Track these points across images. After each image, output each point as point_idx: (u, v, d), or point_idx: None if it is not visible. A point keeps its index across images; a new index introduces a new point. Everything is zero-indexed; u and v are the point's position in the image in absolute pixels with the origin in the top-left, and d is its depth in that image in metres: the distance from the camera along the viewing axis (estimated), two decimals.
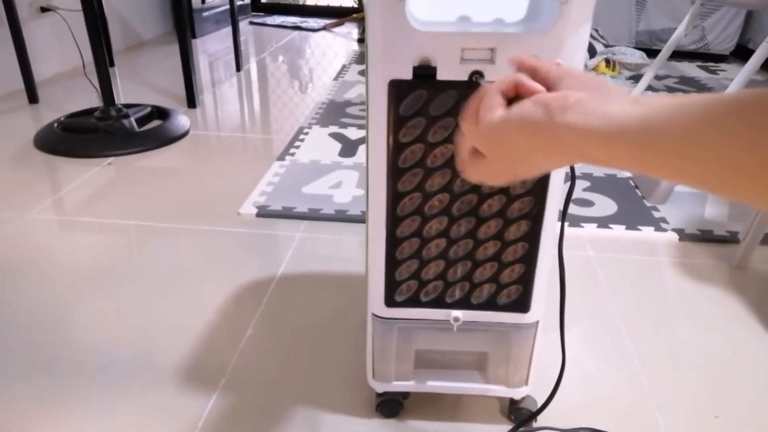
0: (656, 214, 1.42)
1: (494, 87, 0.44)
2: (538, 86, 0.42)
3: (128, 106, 1.93)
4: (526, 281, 0.72)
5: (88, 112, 1.93)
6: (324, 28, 3.71)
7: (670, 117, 0.31)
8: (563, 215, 0.65)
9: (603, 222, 1.38)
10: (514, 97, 0.43)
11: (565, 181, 0.67)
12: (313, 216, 1.38)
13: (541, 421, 0.83)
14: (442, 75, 0.60)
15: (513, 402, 0.83)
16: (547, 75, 0.44)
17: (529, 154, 0.41)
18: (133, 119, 1.85)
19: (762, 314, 1.08)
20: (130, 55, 2.92)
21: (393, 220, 0.68)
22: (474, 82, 0.60)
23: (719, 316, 1.08)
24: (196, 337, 0.99)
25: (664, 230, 1.35)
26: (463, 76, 0.60)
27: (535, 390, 0.83)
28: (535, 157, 0.41)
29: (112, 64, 2.67)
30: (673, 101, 0.32)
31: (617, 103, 0.36)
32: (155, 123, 1.94)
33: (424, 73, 0.60)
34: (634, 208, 1.44)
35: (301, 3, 4.25)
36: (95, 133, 1.80)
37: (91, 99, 2.20)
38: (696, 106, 0.30)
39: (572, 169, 0.63)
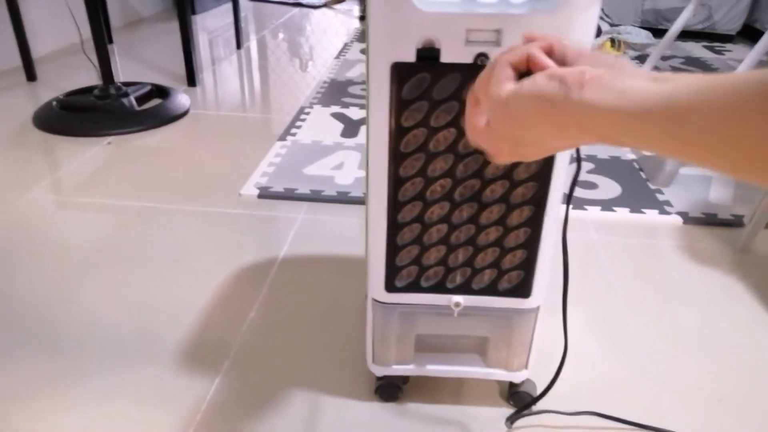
0: (660, 197, 1.41)
1: (504, 58, 0.42)
2: (551, 62, 0.41)
3: (127, 84, 1.91)
4: (527, 267, 0.71)
5: (86, 90, 1.91)
6: (325, 5, 3.66)
7: (697, 96, 0.30)
8: (568, 201, 0.64)
9: (607, 205, 1.37)
10: (525, 72, 0.42)
11: (570, 164, 0.66)
12: (315, 197, 1.37)
13: (543, 404, 0.83)
14: (446, 57, 0.59)
15: (512, 385, 0.83)
16: (562, 53, 0.42)
17: (538, 132, 0.39)
18: (132, 98, 1.83)
19: (766, 298, 1.08)
20: (128, 32, 2.89)
21: (394, 206, 0.68)
22: (479, 64, 0.58)
23: (723, 300, 1.07)
24: (198, 320, 0.99)
25: (668, 213, 1.34)
26: (468, 59, 0.59)
27: (535, 373, 0.83)
28: (544, 135, 0.39)
29: (110, 41, 2.64)
30: (699, 80, 0.30)
31: (636, 80, 0.34)
32: (155, 102, 1.93)
33: (428, 55, 0.58)
34: (638, 191, 1.43)
35: None
36: (94, 112, 1.78)
37: (90, 77, 2.17)
38: (725, 86, 0.29)
39: (578, 152, 0.62)
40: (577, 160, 0.61)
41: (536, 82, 0.38)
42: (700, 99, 0.30)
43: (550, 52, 0.42)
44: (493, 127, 0.43)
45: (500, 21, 0.57)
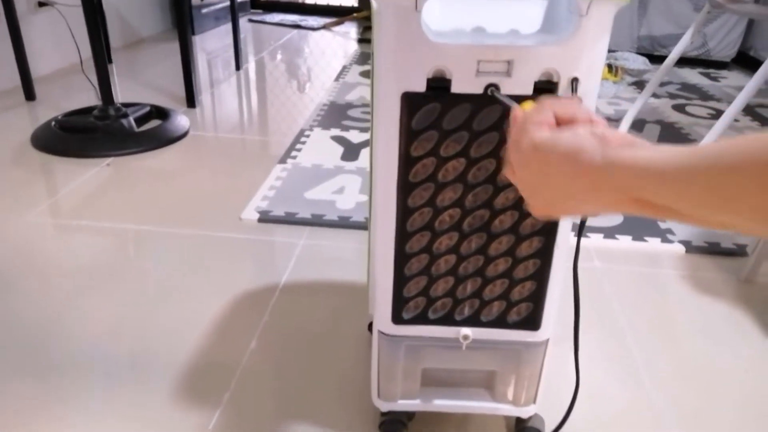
0: (662, 225, 1.40)
1: (549, 104, 0.42)
2: (599, 120, 0.41)
3: (127, 105, 1.90)
4: (537, 299, 0.70)
5: (86, 111, 1.90)
6: (324, 27, 3.68)
7: (746, 150, 0.30)
8: (579, 232, 0.63)
9: (609, 232, 1.36)
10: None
11: None
12: (317, 222, 1.36)
13: None
14: (456, 88, 0.58)
15: (520, 421, 0.81)
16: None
17: (566, 189, 0.39)
18: (132, 119, 1.83)
19: None
20: (128, 52, 2.89)
21: (402, 236, 0.66)
22: (489, 95, 0.58)
23: (728, 331, 1.06)
24: (198, 348, 0.97)
25: (671, 242, 1.33)
26: (479, 89, 0.58)
27: (542, 408, 0.81)
28: (573, 194, 0.39)
29: (110, 62, 2.64)
30: (745, 139, 0.31)
31: (635, 148, 0.35)
32: (154, 123, 1.92)
33: (438, 85, 0.58)
34: (640, 219, 1.43)
35: (300, 1, 4.23)
36: (93, 133, 1.77)
37: (89, 97, 2.17)
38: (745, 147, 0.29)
39: None
40: None
41: (577, 134, 0.38)
42: (747, 153, 0.29)
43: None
44: (518, 169, 0.42)
45: (511, 52, 0.56)
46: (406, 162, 0.62)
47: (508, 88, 0.58)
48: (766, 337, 1.05)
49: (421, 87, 0.58)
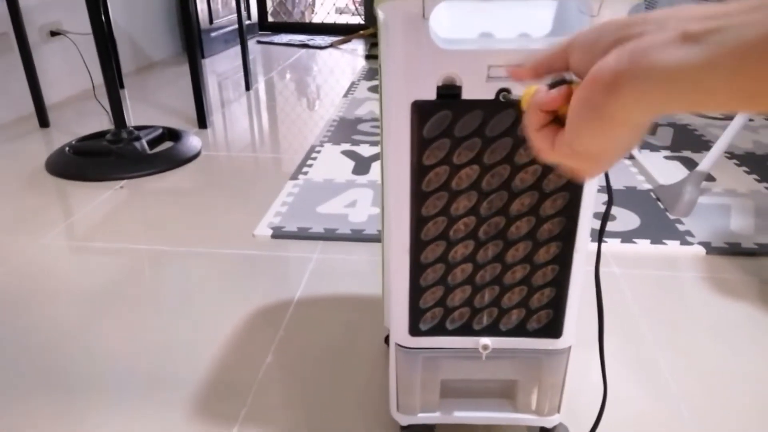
0: (681, 227, 1.38)
1: (530, 130, 0.39)
2: (554, 97, 0.36)
3: (139, 128, 1.92)
4: (557, 305, 0.69)
5: (99, 135, 1.92)
6: (331, 46, 3.71)
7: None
8: (600, 236, 0.62)
9: (627, 237, 1.34)
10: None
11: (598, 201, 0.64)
12: (329, 236, 1.35)
13: None
14: (467, 94, 0.57)
15: (544, 431, 0.79)
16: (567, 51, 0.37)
17: (605, 138, 0.34)
18: (144, 141, 1.84)
19: None
20: (140, 76, 2.93)
21: (416, 246, 0.66)
22: (501, 100, 0.57)
23: (753, 334, 1.04)
24: (214, 365, 0.96)
25: (690, 244, 1.31)
26: (490, 95, 0.57)
27: (565, 416, 0.79)
28: (610, 136, 0.34)
29: (122, 87, 2.68)
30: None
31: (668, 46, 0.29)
32: (167, 144, 1.93)
33: (449, 92, 0.57)
34: (657, 222, 1.41)
35: (307, 21, 4.27)
36: (107, 156, 1.79)
37: (102, 122, 2.20)
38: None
39: (609, 187, 0.60)
40: (608, 191, 0.59)
41: (577, 106, 0.33)
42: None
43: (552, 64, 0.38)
44: (577, 168, 0.38)
45: (521, 56, 0.56)
46: (419, 171, 0.62)
47: (520, 91, 0.57)
48: None
49: (431, 95, 0.57)
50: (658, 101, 0.31)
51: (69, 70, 2.51)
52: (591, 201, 0.63)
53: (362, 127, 2.12)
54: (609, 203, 0.60)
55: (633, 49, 0.31)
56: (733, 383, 0.92)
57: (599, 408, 0.70)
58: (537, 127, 0.39)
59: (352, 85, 2.74)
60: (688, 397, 0.89)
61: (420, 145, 0.60)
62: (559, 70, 0.38)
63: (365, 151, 1.88)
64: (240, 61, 2.73)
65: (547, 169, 0.61)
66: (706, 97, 0.29)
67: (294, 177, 1.68)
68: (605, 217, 0.59)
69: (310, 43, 3.74)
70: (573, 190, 0.62)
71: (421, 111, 0.58)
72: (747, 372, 0.95)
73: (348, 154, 1.86)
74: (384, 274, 0.87)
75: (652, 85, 0.30)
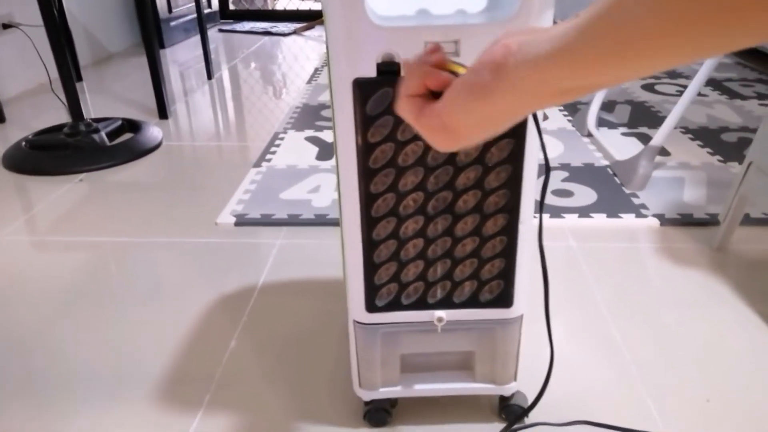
0: (636, 201, 1.42)
1: (403, 94, 0.43)
2: (444, 77, 0.41)
3: (98, 120, 1.89)
4: (507, 276, 0.71)
5: (56, 129, 1.89)
6: (294, 32, 3.68)
7: (600, 4, 0.30)
8: (541, 206, 0.64)
9: (584, 211, 1.37)
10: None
11: (539, 175, 0.66)
12: (293, 222, 1.36)
13: (534, 416, 0.81)
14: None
15: (503, 399, 0.82)
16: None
17: (490, 119, 0.39)
18: (103, 133, 1.81)
19: (745, 294, 1.08)
20: (98, 68, 2.87)
21: (368, 223, 0.67)
22: None
23: (703, 299, 1.08)
24: (178, 352, 0.97)
25: (645, 216, 1.35)
26: None
27: (523, 385, 0.82)
28: (486, 118, 0.39)
29: (79, 79, 2.62)
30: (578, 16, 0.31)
31: (558, 25, 0.33)
32: (126, 136, 1.91)
33: (389, 69, 0.58)
34: (613, 196, 1.44)
35: (270, 8, 4.22)
36: (65, 150, 1.76)
37: (60, 115, 2.15)
38: None
39: (546, 158, 0.62)
40: (546, 166, 0.61)
41: (462, 80, 0.38)
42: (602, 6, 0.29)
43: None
44: (440, 144, 0.42)
45: (458, 32, 0.57)
46: (365, 149, 0.63)
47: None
48: (740, 301, 1.06)
49: (371, 72, 0.58)
50: (541, 71, 0.34)
51: (24, 63, 2.45)
52: (533, 173, 0.65)
53: (326, 113, 2.12)
54: (546, 173, 0.62)
55: (520, 37, 0.35)
56: (683, 346, 0.96)
57: (547, 370, 0.72)
58: (411, 93, 0.43)
59: (316, 72, 2.72)
60: (640, 363, 0.93)
61: (364, 122, 0.61)
62: None
63: (328, 136, 1.88)
64: (201, 51, 2.69)
65: (490, 143, 0.63)
66: (585, 58, 0.32)
67: (257, 164, 1.67)
68: (544, 187, 0.61)
69: (273, 30, 3.70)
70: (515, 163, 0.64)
71: (362, 88, 0.59)
72: (697, 335, 0.98)
73: (311, 140, 1.86)
74: (344, 255, 0.89)
75: (538, 54, 0.33)
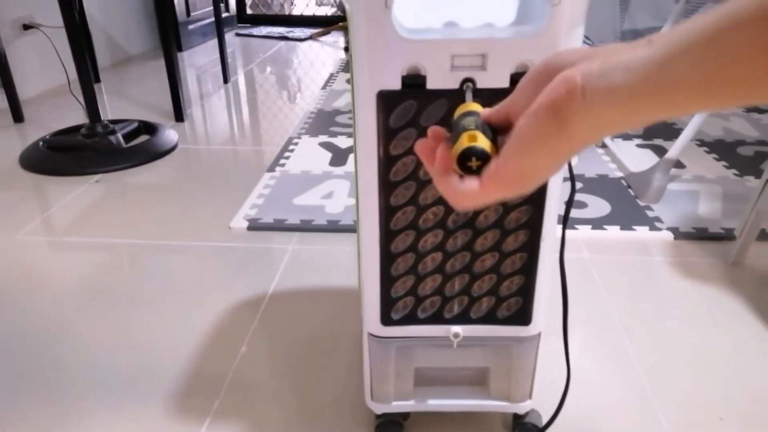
0: (650, 214, 1.40)
1: (437, 181, 0.38)
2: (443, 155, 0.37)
3: (115, 122, 1.90)
4: (526, 293, 0.70)
5: (74, 130, 1.90)
6: (310, 38, 3.69)
7: (685, 37, 0.27)
8: (564, 223, 0.63)
9: (597, 223, 1.36)
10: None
11: (563, 182, 0.65)
12: (306, 227, 1.35)
13: None
14: (432, 84, 0.58)
15: (517, 417, 0.81)
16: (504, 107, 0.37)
17: (552, 162, 0.35)
18: (120, 135, 1.82)
19: (760, 311, 1.07)
20: (116, 71, 2.89)
21: (386, 236, 0.66)
22: (465, 90, 0.58)
23: (718, 315, 1.06)
24: (189, 356, 0.96)
25: (659, 229, 1.34)
26: (454, 85, 0.58)
27: (538, 402, 0.81)
28: (552, 162, 0.35)
29: (98, 81, 2.64)
30: (689, 23, 0.27)
31: (626, 52, 0.30)
32: (143, 138, 1.92)
33: (413, 82, 0.58)
34: (627, 208, 1.43)
35: (287, 13, 4.24)
36: (82, 151, 1.77)
37: (78, 116, 2.17)
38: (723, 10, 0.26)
39: (571, 174, 0.61)
40: (571, 180, 0.60)
41: (523, 133, 0.33)
42: (702, 32, 0.27)
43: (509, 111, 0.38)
44: (508, 192, 0.37)
45: (485, 45, 0.57)
46: (386, 161, 0.62)
47: (484, 81, 0.58)
48: (755, 318, 1.05)
49: (396, 85, 0.58)
50: (619, 108, 0.30)
51: (44, 64, 2.47)
52: (557, 189, 0.64)
53: (340, 118, 2.12)
54: (572, 191, 0.61)
55: (584, 65, 0.31)
56: (697, 362, 0.95)
57: (563, 390, 0.71)
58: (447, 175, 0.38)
59: (331, 77, 2.73)
60: (653, 379, 0.91)
61: (386, 135, 0.61)
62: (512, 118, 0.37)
63: (342, 142, 1.88)
64: (218, 54, 2.71)
65: None
66: (668, 96, 0.28)
67: (271, 169, 1.67)
68: (569, 205, 0.60)
69: (290, 35, 3.72)
70: None
71: (386, 101, 0.58)
72: (712, 351, 0.97)
73: (325, 145, 1.86)
74: (360, 266, 0.88)
75: (613, 92, 0.29)
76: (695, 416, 0.85)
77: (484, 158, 0.36)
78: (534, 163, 0.34)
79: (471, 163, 0.36)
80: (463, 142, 0.37)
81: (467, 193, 0.37)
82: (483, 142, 0.37)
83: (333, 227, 1.35)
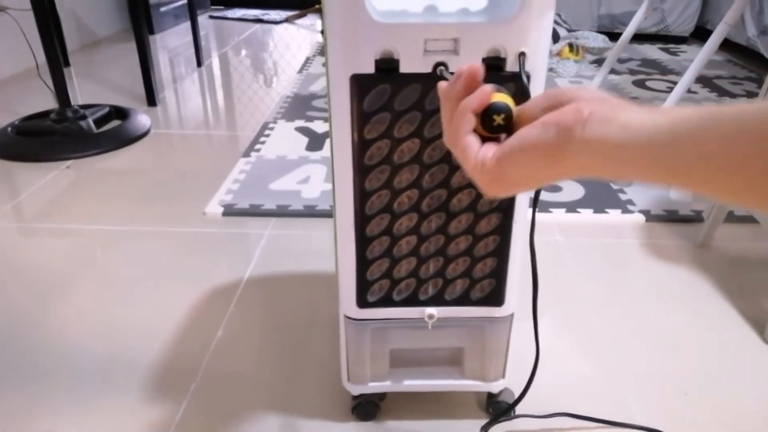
0: (623, 197, 1.43)
1: (461, 131, 0.41)
2: (486, 91, 0.40)
3: (85, 107, 1.87)
4: (498, 275, 0.71)
5: (43, 115, 1.86)
6: (286, 20, 3.65)
7: (701, 124, 0.29)
8: (534, 206, 0.65)
9: (571, 207, 1.38)
10: (484, 112, 0.41)
11: None
12: (282, 212, 1.35)
13: (517, 409, 0.82)
14: (405, 68, 0.58)
15: (491, 395, 0.83)
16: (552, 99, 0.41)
17: (533, 177, 0.39)
18: (90, 120, 1.79)
19: (726, 290, 1.10)
20: (86, 53, 2.83)
21: (361, 219, 0.67)
22: (438, 75, 0.58)
23: (685, 295, 1.09)
24: (165, 341, 0.96)
25: (631, 212, 1.36)
26: (427, 69, 0.58)
27: (511, 380, 0.82)
28: (540, 177, 0.38)
29: (67, 64, 2.58)
30: (701, 110, 0.30)
31: (634, 112, 0.33)
32: (114, 123, 1.89)
33: (387, 66, 0.58)
34: (601, 192, 1.45)
35: None
36: (51, 136, 1.74)
37: (47, 101, 2.12)
38: (728, 115, 0.29)
39: None
40: None
41: (526, 135, 0.37)
42: (704, 127, 0.29)
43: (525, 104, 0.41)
44: (485, 187, 0.41)
45: (457, 30, 0.57)
46: (361, 145, 0.63)
47: (457, 65, 0.58)
48: (721, 297, 1.08)
49: (369, 69, 0.58)
50: (602, 156, 0.34)
51: (11, 47, 2.40)
52: None
53: (316, 103, 2.11)
54: None
55: (594, 105, 0.35)
56: (664, 340, 0.97)
57: (532, 368, 0.73)
58: (469, 130, 0.41)
59: (307, 61, 2.71)
60: (621, 356, 0.94)
61: (361, 118, 0.61)
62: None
63: (319, 127, 1.87)
64: (191, 37, 2.66)
65: None
66: (641, 169, 0.32)
67: (246, 154, 1.66)
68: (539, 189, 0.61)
69: (265, 17, 3.67)
70: None
71: (360, 84, 0.59)
72: (678, 329, 1.00)
73: (302, 130, 1.85)
74: (336, 250, 0.89)
75: (604, 141, 0.33)
76: (661, 391, 0.88)
77: (507, 115, 0.40)
78: (523, 166, 0.38)
79: (496, 117, 0.40)
80: (491, 98, 0.41)
81: (478, 158, 0.40)
82: (508, 100, 0.41)
83: (310, 212, 1.35)
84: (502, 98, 0.41)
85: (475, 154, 0.40)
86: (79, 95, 2.22)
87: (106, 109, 1.91)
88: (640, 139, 0.32)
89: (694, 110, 0.31)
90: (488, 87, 0.42)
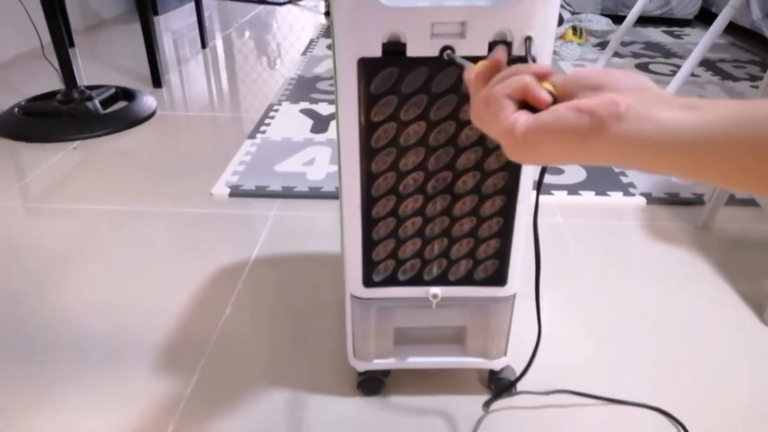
0: (624, 179, 1.44)
1: (500, 91, 0.41)
2: (546, 97, 0.40)
3: (91, 87, 1.88)
4: (502, 255, 0.73)
5: (49, 95, 1.87)
6: (290, 2, 3.63)
7: (736, 129, 0.30)
8: (538, 189, 0.66)
9: (573, 189, 1.39)
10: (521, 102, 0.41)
11: None
12: (287, 194, 1.37)
13: (519, 386, 0.84)
14: (412, 51, 0.59)
15: (493, 373, 0.85)
16: (561, 82, 0.41)
17: (559, 156, 0.39)
18: (97, 101, 1.80)
19: (726, 272, 1.12)
20: (90, 34, 2.83)
21: (368, 201, 0.68)
22: (445, 58, 0.59)
23: (686, 276, 1.11)
24: (173, 319, 0.98)
25: (632, 194, 1.38)
26: (434, 52, 0.59)
27: (512, 359, 0.84)
28: (566, 158, 0.39)
29: (72, 45, 2.58)
30: (737, 109, 0.30)
31: (672, 109, 0.33)
32: (120, 104, 1.89)
33: (394, 49, 0.59)
34: (602, 174, 1.46)
35: None
36: (58, 117, 1.75)
37: (53, 81, 2.13)
38: (763, 117, 0.29)
39: None
40: None
41: (560, 115, 0.37)
42: (738, 132, 0.30)
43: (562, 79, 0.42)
44: (508, 151, 0.42)
45: (464, 13, 0.58)
46: (367, 128, 0.64)
47: (463, 49, 0.59)
48: (721, 280, 1.10)
49: (377, 52, 0.59)
50: (633, 149, 0.34)
51: (15, 28, 2.40)
52: None
53: (321, 85, 2.11)
54: None
55: (631, 98, 0.35)
56: (663, 320, 0.99)
57: (534, 347, 0.75)
58: (508, 94, 0.41)
59: (311, 43, 2.70)
60: (620, 336, 0.96)
61: (368, 101, 0.62)
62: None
63: (324, 109, 1.88)
64: (195, 18, 2.66)
65: None
66: (672, 164, 0.33)
67: (252, 136, 1.67)
68: (542, 171, 0.62)
69: None
70: None
71: (367, 68, 0.60)
72: (677, 310, 1.02)
73: (306, 112, 1.86)
74: (343, 230, 0.90)
75: (637, 136, 0.34)
76: (659, 371, 0.90)
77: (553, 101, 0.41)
78: (551, 142, 0.38)
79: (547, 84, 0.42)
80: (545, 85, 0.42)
81: (509, 120, 0.40)
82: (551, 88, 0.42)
83: (315, 194, 1.37)
84: (546, 86, 0.42)
85: (507, 115, 0.40)
86: (84, 76, 2.23)
87: (113, 90, 1.92)
88: (675, 141, 0.32)
89: (733, 109, 0.31)
90: (548, 67, 0.43)
